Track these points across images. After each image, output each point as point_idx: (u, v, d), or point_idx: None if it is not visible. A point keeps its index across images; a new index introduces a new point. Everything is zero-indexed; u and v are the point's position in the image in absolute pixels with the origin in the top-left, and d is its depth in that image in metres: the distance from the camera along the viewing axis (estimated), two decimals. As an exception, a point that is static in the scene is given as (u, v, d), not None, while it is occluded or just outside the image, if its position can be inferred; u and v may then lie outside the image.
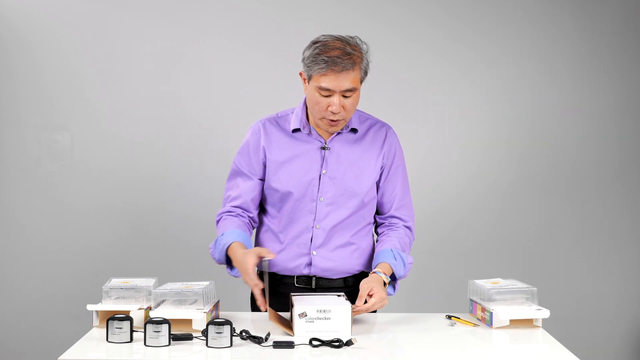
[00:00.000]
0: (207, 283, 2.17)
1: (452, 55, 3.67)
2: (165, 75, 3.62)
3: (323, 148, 2.31)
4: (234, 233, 2.25)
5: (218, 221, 2.36)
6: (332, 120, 2.22)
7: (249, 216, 2.36)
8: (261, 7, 3.63)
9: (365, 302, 2.11)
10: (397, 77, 3.67)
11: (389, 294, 2.25)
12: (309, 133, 2.31)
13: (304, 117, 2.32)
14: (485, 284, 2.26)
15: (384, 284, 2.18)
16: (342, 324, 2.00)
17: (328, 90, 2.16)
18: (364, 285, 2.14)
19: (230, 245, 2.23)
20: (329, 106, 2.18)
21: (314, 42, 2.19)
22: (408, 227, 2.38)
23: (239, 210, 2.34)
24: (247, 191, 2.34)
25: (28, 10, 3.58)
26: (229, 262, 2.28)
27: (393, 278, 2.26)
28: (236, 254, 2.19)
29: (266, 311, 2.11)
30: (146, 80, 3.61)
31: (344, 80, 2.15)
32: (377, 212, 2.42)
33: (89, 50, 3.60)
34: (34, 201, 3.62)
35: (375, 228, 2.43)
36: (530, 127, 3.71)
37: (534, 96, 3.70)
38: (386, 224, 2.38)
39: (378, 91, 3.62)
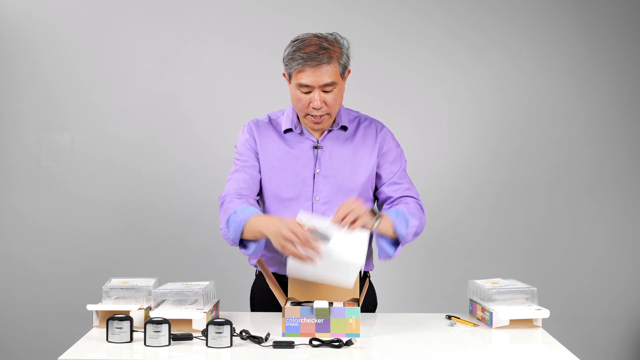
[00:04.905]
0: (207, 283, 2.17)
1: (451, 55, 3.67)
2: (166, 75, 3.62)
3: (315, 147, 2.30)
4: (249, 209, 2.14)
5: (222, 203, 2.25)
6: (316, 117, 2.22)
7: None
8: (261, 7, 3.63)
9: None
10: (397, 76, 3.66)
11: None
12: (301, 133, 2.31)
13: (295, 117, 2.31)
14: (485, 284, 2.26)
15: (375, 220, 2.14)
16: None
17: (307, 86, 2.16)
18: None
19: (249, 219, 2.11)
20: (310, 102, 2.18)
21: (292, 41, 2.20)
22: (416, 201, 2.31)
23: (245, 197, 2.26)
24: (249, 182, 2.28)
25: (28, 9, 3.58)
26: (241, 242, 2.20)
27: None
28: (265, 220, 2.07)
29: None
30: (146, 80, 3.61)
31: (322, 75, 2.15)
32: (385, 202, 2.35)
33: (89, 50, 3.60)
34: (34, 201, 3.62)
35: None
36: (530, 126, 3.71)
37: (533, 95, 3.70)
38: (395, 204, 2.32)
39: (377, 90, 3.63)
